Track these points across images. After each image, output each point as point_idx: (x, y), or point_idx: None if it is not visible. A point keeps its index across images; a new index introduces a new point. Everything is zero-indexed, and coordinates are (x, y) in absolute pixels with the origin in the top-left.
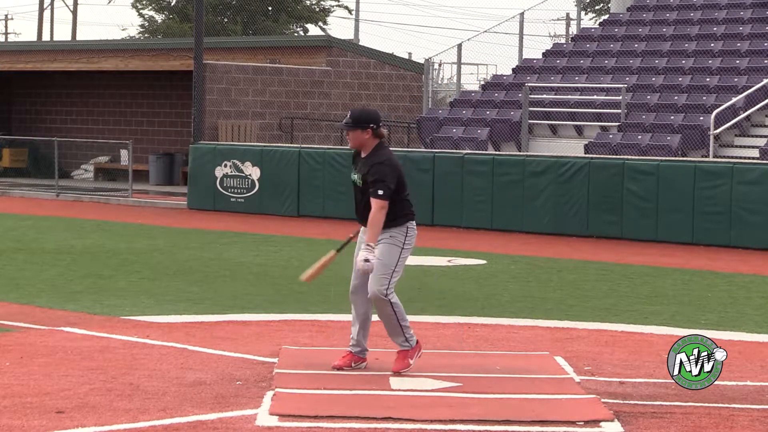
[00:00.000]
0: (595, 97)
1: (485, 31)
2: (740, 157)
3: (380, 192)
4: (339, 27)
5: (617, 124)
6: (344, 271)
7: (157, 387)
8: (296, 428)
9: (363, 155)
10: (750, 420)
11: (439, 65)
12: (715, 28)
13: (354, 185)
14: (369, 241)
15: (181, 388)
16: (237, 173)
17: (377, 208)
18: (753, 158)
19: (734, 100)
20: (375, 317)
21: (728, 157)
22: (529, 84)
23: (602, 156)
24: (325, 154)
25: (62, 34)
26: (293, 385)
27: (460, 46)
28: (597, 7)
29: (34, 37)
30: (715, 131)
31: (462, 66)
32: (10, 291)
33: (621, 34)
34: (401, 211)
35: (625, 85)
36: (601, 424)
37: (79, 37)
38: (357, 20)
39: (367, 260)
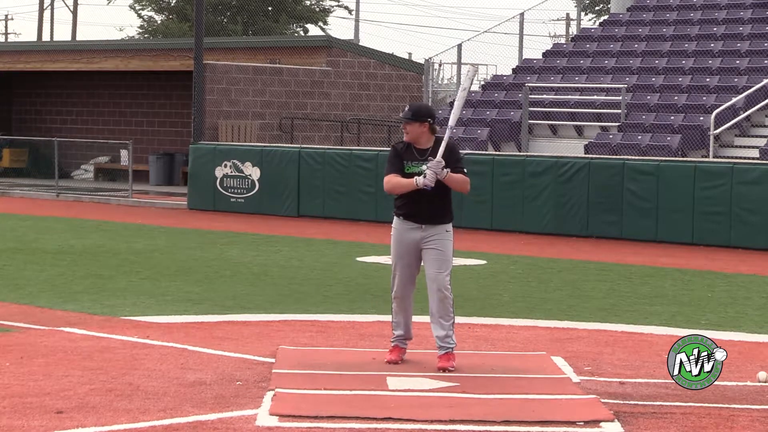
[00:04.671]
0: (595, 97)
1: (485, 31)
2: (740, 157)
3: (465, 170)
4: (339, 27)
5: (617, 124)
6: (345, 271)
7: (157, 387)
8: (296, 428)
9: (422, 147)
10: (750, 420)
11: (439, 65)
12: (715, 28)
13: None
14: (444, 166)
15: (181, 388)
16: (237, 173)
17: (467, 179)
18: (753, 158)
19: (734, 100)
20: (366, 318)
21: (728, 157)
22: (529, 84)
23: (602, 156)
24: (325, 154)
25: (62, 34)
26: (292, 386)
27: (460, 46)
28: (597, 8)
29: (34, 37)
30: (715, 131)
31: (462, 66)
32: (10, 291)
33: (621, 35)
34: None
35: (625, 85)
36: (601, 424)
37: (79, 37)
38: (357, 20)
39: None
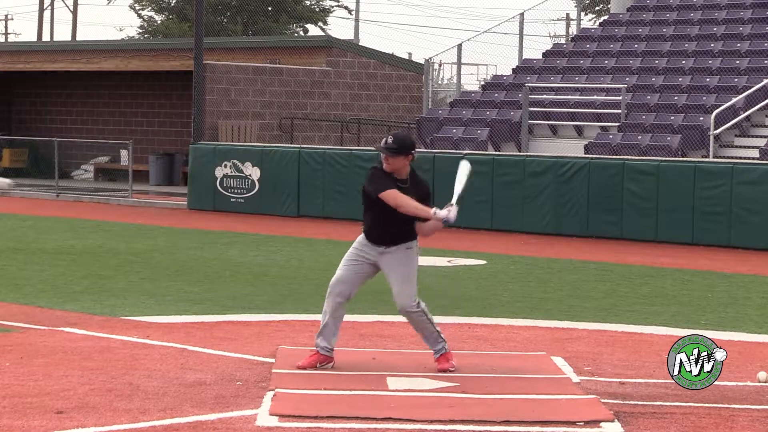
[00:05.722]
0: (595, 97)
1: (485, 31)
2: (740, 157)
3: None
4: (339, 27)
5: (617, 124)
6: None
7: (157, 387)
8: (296, 428)
9: (400, 178)
10: (750, 420)
11: (439, 65)
12: (715, 28)
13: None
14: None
15: (181, 388)
16: (237, 173)
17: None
18: (753, 158)
19: (734, 100)
20: (366, 318)
21: (728, 157)
22: (529, 84)
23: (602, 156)
24: (325, 154)
25: (62, 34)
26: (292, 386)
27: (460, 46)
28: (597, 8)
29: (34, 37)
30: (715, 131)
31: (462, 66)
32: (10, 291)
33: (621, 35)
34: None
35: (625, 86)
36: (601, 424)
37: (79, 38)
38: (357, 20)
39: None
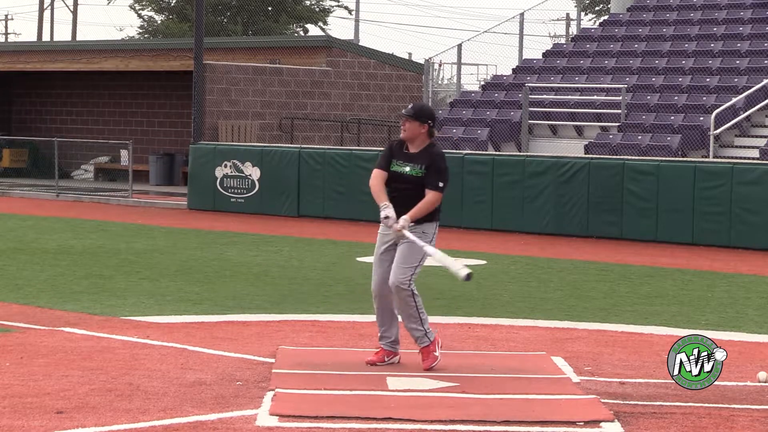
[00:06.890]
0: (595, 97)
1: (485, 31)
2: (740, 158)
3: (441, 185)
4: (339, 27)
5: (617, 124)
6: (345, 271)
7: (157, 387)
8: (296, 428)
9: (412, 149)
10: (750, 420)
11: (439, 65)
12: (715, 29)
13: (400, 176)
14: (409, 216)
15: (181, 388)
16: (237, 173)
17: (435, 199)
18: (753, 158)
19: (734, 100)
20: (366, 318)
21: (728, 157)
22: (529, 84)
23: (602, 156)
24: (325, 154)
25: (62, 34)
26: (292, 386)
27: (460, 46)
28: (597, 8)
29: (34, 37)
30: (715, 131)
31: (462, 66)
32: (10, 291)
33: (621, 35)
34: (437, 211)
35: (625, 86)
36: (602, 424)
37: (79, 38)
38: (357, 20)
39: (397, 223)
